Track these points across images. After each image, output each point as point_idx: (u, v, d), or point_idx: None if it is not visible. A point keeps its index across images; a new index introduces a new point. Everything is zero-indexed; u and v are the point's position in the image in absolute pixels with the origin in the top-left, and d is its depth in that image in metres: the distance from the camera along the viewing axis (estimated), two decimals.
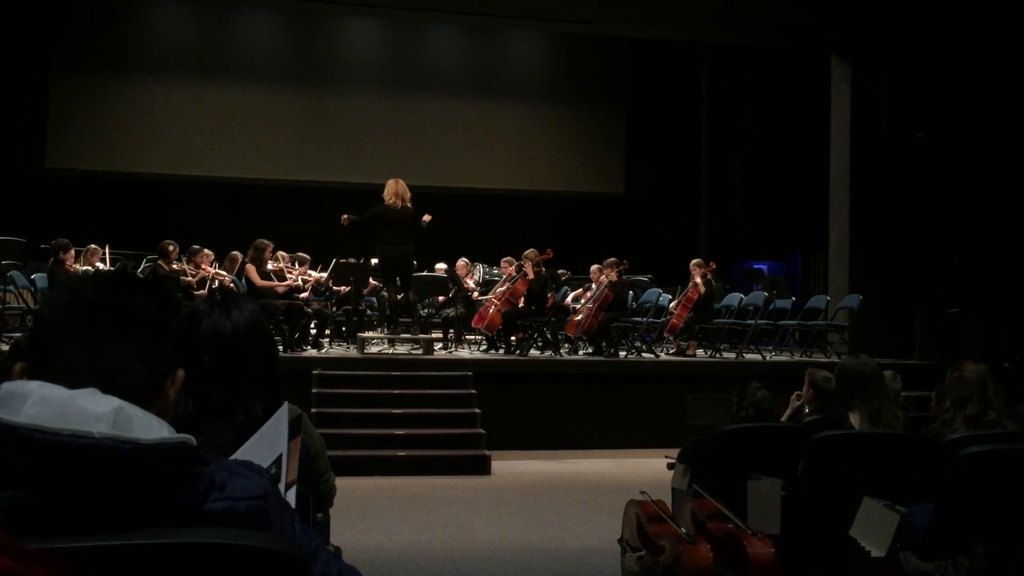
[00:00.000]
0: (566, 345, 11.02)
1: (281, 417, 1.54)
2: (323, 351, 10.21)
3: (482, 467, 8.35)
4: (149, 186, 15.12)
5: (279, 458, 1.47)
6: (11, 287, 9.61)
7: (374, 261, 10.56)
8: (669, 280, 12.10)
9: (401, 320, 10.67)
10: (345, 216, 9.74)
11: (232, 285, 9.96)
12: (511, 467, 8.55)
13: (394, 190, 9.72)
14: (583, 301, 10.79)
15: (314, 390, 8.80)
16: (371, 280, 11.08)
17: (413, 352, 10.07)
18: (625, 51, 16.51)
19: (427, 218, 9.70)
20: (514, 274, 10.55)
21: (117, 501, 1.05)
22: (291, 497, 1.48)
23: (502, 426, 8.93)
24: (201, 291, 9.77)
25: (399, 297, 10.07)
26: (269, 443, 1.50)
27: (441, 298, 11.57)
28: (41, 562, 0.94)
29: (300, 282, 10.25)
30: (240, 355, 1.83)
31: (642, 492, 4.52)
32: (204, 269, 9.95)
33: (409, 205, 9.71)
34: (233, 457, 1.39)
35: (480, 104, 16.51)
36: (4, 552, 0.91)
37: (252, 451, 1.46)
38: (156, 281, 1.41)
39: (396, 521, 6.52)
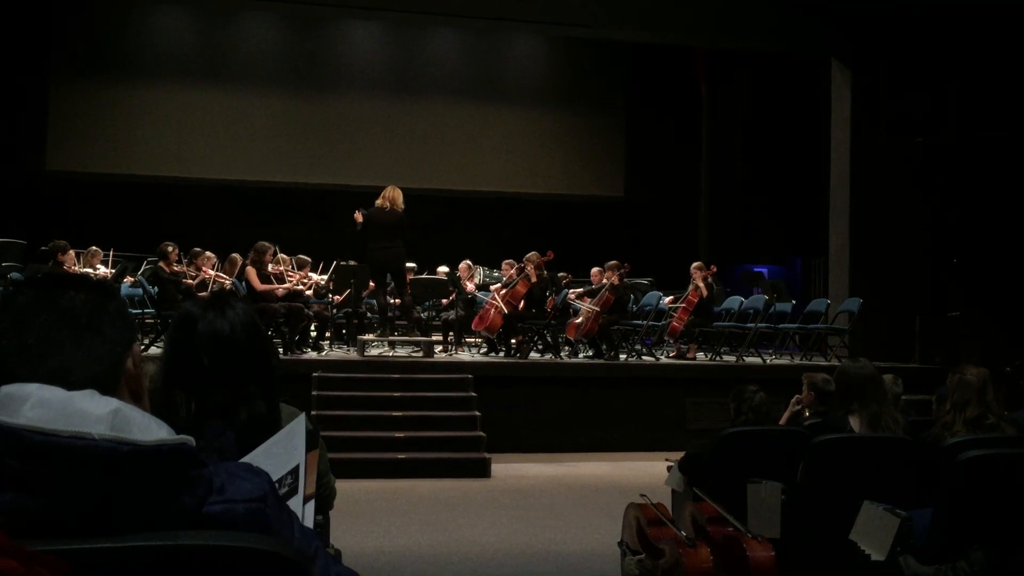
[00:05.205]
0: (566, 348, 11.01)
1: (297, 427, 1.51)
2: (323, 354, 10.20)
3: (482, 470, 8.34)
4: (149, 189, 15.11)
5: (295, 469, 1.44)
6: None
7: None
8: (669, 283, 12.08)
9: (399, 323, 10.67)
10: (358, 213, 9.74)
11: (233, 288, 9.96)
12: (511, 470, 8.54)
13: (387, 194, 9.75)
14: (583, 302, 10.75)
15: (314, 393, 8.79)
16: (371, 283, 11.08)
17: (413, 355, 10.07)
18: (625, 55, 16.51)
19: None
20: (515, 276, 10.54)
21: (117, 503, 1.04)
22: (309, 511, 1.45)
23: (502, 429, 8.91)
24: (203, 293, 9.79)
25: (396, 301, 10.07)
26: (283, 453, 1.47)
27: (443, 301, 11.57)
28: (43, 564, 0.94)
29: (301, 285, 10.25)
30: (239, 355, 1.81)
31: (642, 495, 4.52)
32: (205, 271, 9.95)
33: (397, 208, 9.71)
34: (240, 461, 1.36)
35: (480, 107, 16.52)
36: (7, 554, 0.91)
37: (262, 459, 1.41)
38: (80, 275, 1.40)
39: (396, 524, 6.51)
